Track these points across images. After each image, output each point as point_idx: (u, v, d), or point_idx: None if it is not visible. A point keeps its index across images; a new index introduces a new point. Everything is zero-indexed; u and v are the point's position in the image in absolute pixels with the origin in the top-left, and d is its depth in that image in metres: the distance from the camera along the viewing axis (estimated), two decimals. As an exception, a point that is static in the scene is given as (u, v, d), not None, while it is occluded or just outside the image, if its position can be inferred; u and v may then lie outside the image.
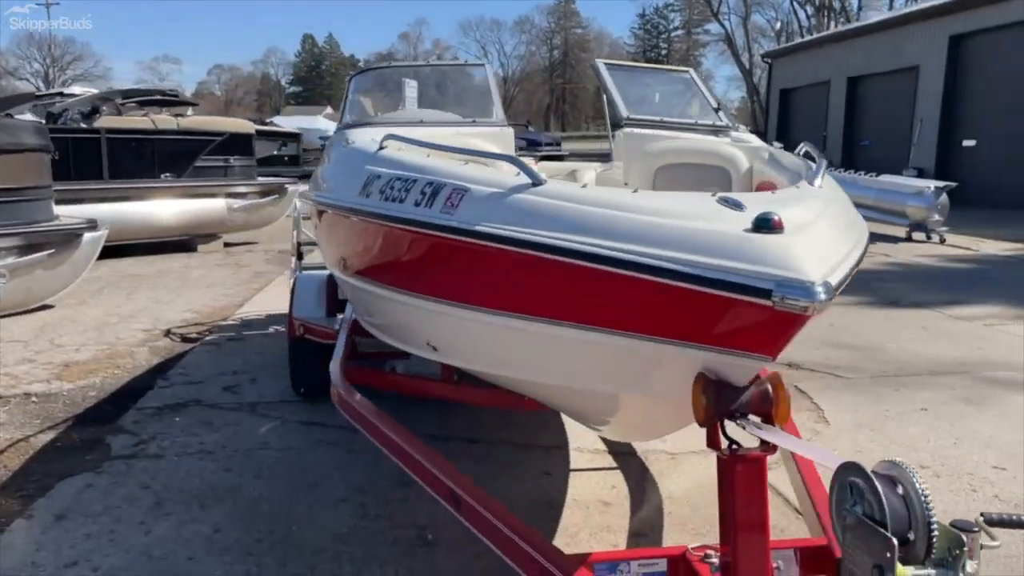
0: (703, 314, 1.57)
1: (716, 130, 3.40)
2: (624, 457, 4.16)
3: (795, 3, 60.38)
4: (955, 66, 21.59)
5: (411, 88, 3.70)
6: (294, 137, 18.84)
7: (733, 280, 1.47)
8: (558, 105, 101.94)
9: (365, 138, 3.27)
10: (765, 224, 1.52)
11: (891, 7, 38.64)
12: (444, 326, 2.39)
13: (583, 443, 4.32)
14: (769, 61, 34.76)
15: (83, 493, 3.62)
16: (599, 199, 1.79)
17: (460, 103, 3.80)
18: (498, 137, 3.52)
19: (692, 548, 2.00)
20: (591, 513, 3.46)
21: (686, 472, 3.95)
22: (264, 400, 4.99)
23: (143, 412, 4.75)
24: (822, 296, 1.43)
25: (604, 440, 4.38)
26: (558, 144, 36.12)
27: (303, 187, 13.32)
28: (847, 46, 27.10)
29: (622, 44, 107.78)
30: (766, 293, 1.43)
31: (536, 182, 1.93)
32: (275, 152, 17.08)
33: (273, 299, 8.26)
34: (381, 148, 2.82)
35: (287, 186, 13.26)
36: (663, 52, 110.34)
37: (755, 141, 3.28)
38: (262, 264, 11.14)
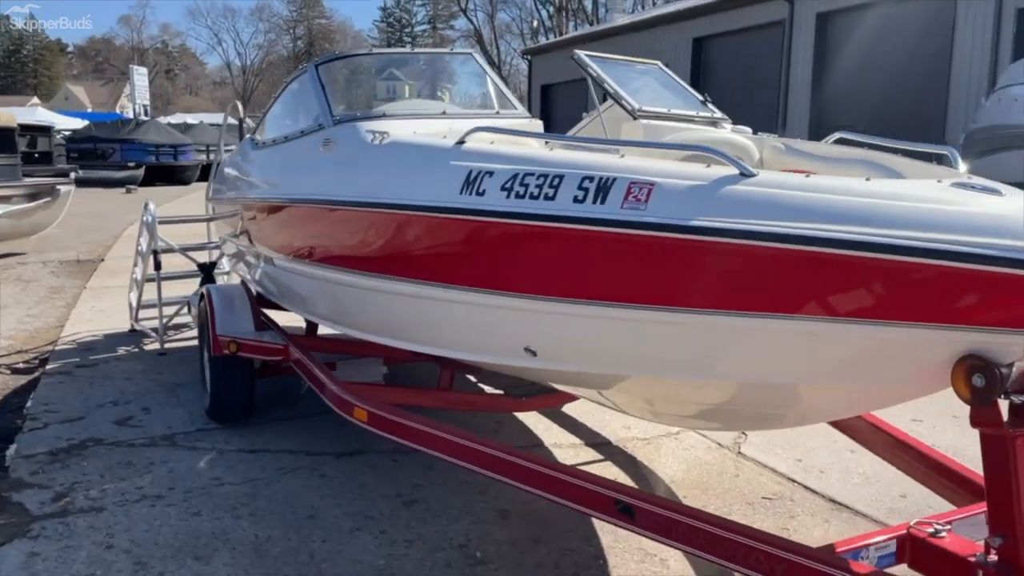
0: (985, 295, 1.63)
1: (713, 121, 3.52)
2: (602, 448, 4.20)
3: (537, 3, 63.36)
4: (699, 65, 23.99)
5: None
6: (44, 131, 16.52)
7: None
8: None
9: (403, 131, 2.99)
10: None
11: (633, 10, 41.78)
12: (575, 327, 2.26)
13: (556, 439, 4.30)
14: (529, 58, 36.23)
15: (34, 565, 2.98)
16: (833, 187, 1.80)
17: (452, 93, 3.58)
18: (529, 127, 3.38)
19: (914, 524, 2.08)
20: (616, 506, 3.45)
21: (670, 455, 4.08)
22: (177, 431, 4.39)
23: (35, 460, 3.98)
24: None
25: (573, 432, 4.40)
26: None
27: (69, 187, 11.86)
28: (601, 45, 28.99)
29: (365, 36, 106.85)
30: None
31: (747, 173, 1.90)
32: (24, 149, 14.82)
33: (98, 317, 7.30)
34: (461, 142, 2.60)
35: (59, 187, 11.64)
36: (408, 46, 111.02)
37: (749, 131, 3.44)
38: (50, 278, 9.71)
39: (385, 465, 3.92)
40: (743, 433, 4.27)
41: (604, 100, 3.59)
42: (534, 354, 2.50)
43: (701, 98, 3.73)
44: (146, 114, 37.11)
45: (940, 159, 2.48)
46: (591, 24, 57.22)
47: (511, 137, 2.60)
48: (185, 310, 6.32)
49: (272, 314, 4.71)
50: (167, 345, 6.10)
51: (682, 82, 3.88)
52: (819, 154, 2.95)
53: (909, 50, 17.57)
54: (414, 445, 2.90)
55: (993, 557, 1.75)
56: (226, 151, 6.03)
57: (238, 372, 4.25)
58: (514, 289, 2.36)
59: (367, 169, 2.94)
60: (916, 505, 3.42)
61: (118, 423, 4.52)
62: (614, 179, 2.05)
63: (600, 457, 4.07)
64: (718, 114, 3.60)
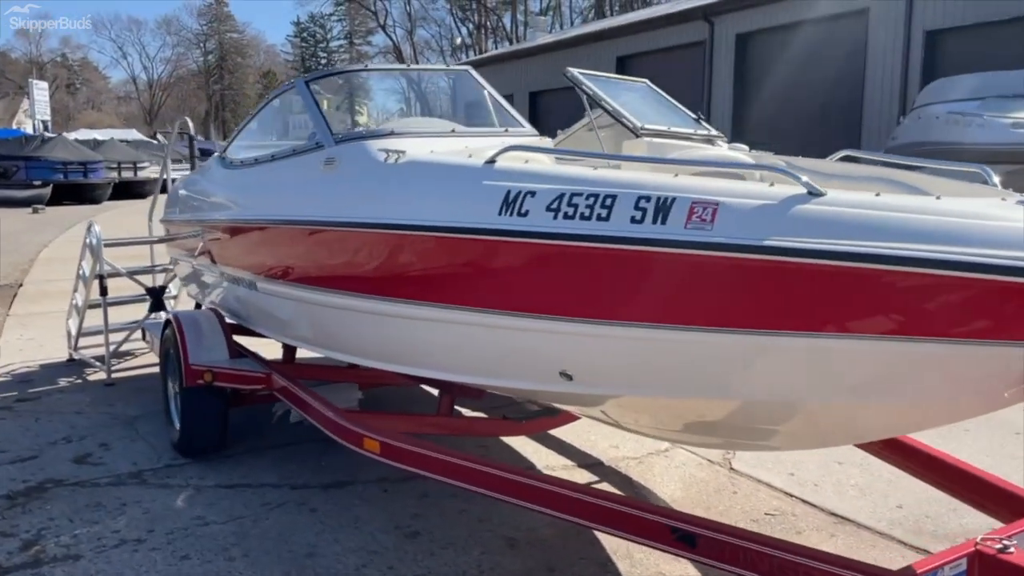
0: None
1: (709, 139, 3.53)
2: (595, 468, 4.16)
3: (457, 20, 63.59)
4: (623, 84, 24.47)
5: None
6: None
7: None
8: (218, 112, 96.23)
9: (420, 150, 2.87)
10: None
11: (551, 29, 42.34)
12: (620, 350, 2.20)
13: (547, 461, 4.23)
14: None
15: (15, 624, 2.73)
16: (904, 206, 1.81)
17: (450, 111, 3.47)
18: (540, 145, 3.29)
19: (981, 541, 2.08)
20: (624, 529, 3.40)
21: (664, 474, 4.06)
22: (144, 467, 4.13)
23: (-9, 506, 3.67)
24: None
25: (562, 454, 4.33)
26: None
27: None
28: (526, 63, 29.29)
29: (278, 51, 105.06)
30: None
31: (815, 192, 1.89)
32: None
33: (30, 347, 6.85)
34: (492, 161, 2.50)
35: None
36: (323, 62, 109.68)
37: (746, 148, 3.47)
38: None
39: (376, 496, 3.77)
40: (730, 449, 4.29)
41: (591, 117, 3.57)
42: (570, 378, 2.43)
43: (694, 116, 3.74)
44: (46, 129, 35.39)
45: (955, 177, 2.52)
46: (510, 42, 57.76)
47: (542, 156, 2.53)
48: (134, 337, 5.99)
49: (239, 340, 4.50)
50: (114, 375, 5.75)
51: (672, 100, 3.89)
52: (824, 171, 2.98)
53: (825, 70, 18.33)
54: (439, 477, 2.78)
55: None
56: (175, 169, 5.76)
57: (211, 403, 4.03)
58: (555, 312, 2.29)
59: (383, 189, 2.82)
60: (914, 516, 3.50)
61: (76, 461, 4.22)
62: (674, 199, 2.00)
63: (595, 478, 4.01)
64: (713, 132, 3.62)
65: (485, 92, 3.60)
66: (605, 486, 3.90)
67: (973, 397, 1.89)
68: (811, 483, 3.87)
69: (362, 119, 3.48)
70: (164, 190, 6.31)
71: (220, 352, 4.06)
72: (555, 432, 4.50)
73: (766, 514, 3.59)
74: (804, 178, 1.92)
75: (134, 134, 44.74)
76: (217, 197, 4.28)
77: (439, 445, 2.86)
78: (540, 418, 3.67)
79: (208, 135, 78.53)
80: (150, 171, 29.70)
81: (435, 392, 5.15)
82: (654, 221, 2.01)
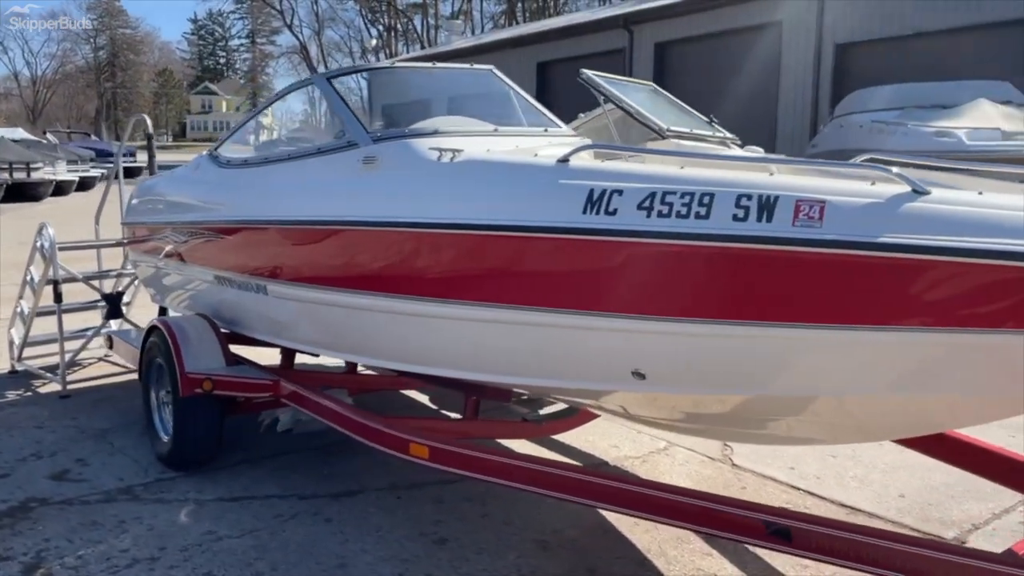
0: None
1: (724, 141, 3.61)
2: (601, 469, 4.17)
3: (367, 22, 62.82)
4: (543, 89, 24.69)
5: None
6: None
7: None
8: (109, 111, 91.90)
9: (476, 149, 2.81)
10: None
11: (464, 33, 42.31)
12: (706, 347, 2.23)
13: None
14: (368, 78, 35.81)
15: (44, 654, 2.54)
16: (1008, 204, 1.89)
17: (478, 111, 3.40)
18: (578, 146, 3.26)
19: None
20: (650, 527, 3.43)
21: (670, 471, 4.11)
22: (133, 482, 3.91)
23: (-28, 528, 3.40)
24: None
25: (565, 455, 4.33)
26: (132, 155, 32.66)
27: None
28: (445, 66, 29.15)
29: (174, 48, 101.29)
30: None
31: (920, 190, 1.96)
32: None
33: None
34: (564, 160, 2.48)
35: None
36: (221, 61, 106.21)
37: (761, 151, 3.55)
38: None
39: (391, 503, 3.69)
40: (727, 444, 4.39)
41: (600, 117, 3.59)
42: (643, 377, 2.44)
43: (706, 119, 3.82)
44: (-87, 128, 32.95)
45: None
46: (422, 46, 57.46)
47: (616, 153, 2.53)
48: (89, 345, 5.66)
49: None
50: (68, 386, 5.41)
51: (680, 101, 3.96)
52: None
53: (742, 79, 18.99)
54: (500, 481, 2.73)
55: None
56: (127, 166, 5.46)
57: (206, 413, 3.85)
58: (636, 311, 2.29)
59: (440, 188, 2.75)
60: (918, 504, 3.67)
61: (55, 478, 3.95)
62: (777, 197, 2.04)
63: (606, 478, 4.03)
64: (727, 134, 3.71)
65: (511, 91, 3.58)
66: (617, 485, 3.93)
67: None
68: (813, 476, 4.00)
69: (390, 118, 3.38)
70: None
71: (216, 359, 3.88)
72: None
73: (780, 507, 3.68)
74: (910, 177, 1.99)
75: (20, 133, 42.11)
76: (212, 197, 4.09)
77: (487, 447, 2.82)
78: (560, 419, 3.67)
79: (100, 134, 74.85)
80: (44, 172, 28.11)
81: (419, 397, 5.14)
82: (759, 219, 2.04)
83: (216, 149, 4.32)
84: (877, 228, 1.92)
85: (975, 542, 3.30)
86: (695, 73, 20.08)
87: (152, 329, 4.10)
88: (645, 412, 2.95)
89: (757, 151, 3.55)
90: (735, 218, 2.07)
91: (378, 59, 56.72)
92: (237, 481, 3.92)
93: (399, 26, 65.01)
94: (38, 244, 5.43)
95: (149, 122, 5.50)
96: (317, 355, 3.97)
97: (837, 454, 4.24)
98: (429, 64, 3.72)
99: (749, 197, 2.07)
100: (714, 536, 2.46)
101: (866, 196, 1.99)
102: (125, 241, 5.47)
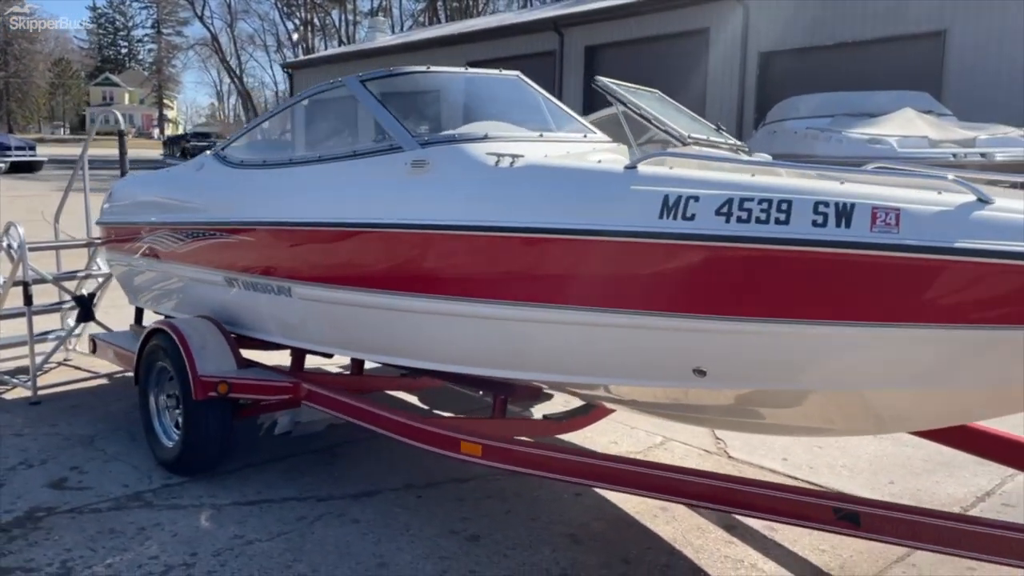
0: None
1: (735, 148, 3.77)
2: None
3: (282, 15, 61.44)
4: (474, 89, 24.78)
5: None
6: None
7: None
8: (1, 101, 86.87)
9: (536, 155, 2.86)
10: None
11: (393, 31, 41.90)
12: (777, 345, 2.37)
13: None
14: (290, 72, 35.11)
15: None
16: None
17: (512, 116, 3.43)
18: (619, 151, 3.34)
19: None
20: (670, 518, 3.57)
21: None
22: (141, 489, 3.82)
23: (-18, 541, 3.27)
24: None
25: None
26: (32, 148, 31.13)
27: None
28: (371, 64, 28.88)
29: (71, 38, 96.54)
30: None
31: (985, 199, 2.15)
32: None
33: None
34: (632, 168, 2.57)
35: None
36: (123, 51, 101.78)
37: (769, 158, 3.72)
38: None
39: (413, 503, 3.72)
40: (719, 438, 4.59)
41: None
42: (703, 374, 2.57)
43: (714, 126, 3.98)
44: None
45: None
46: (342, 42, 56.59)
47: (691, 160, 2.64)
48: (40, 350, 5.43)
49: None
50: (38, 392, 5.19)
51: (685, 108, 4.11)
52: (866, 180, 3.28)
53: (671, 83, 19.46)
54: (560, 477, 2.81)
55: None
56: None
57: (218, 416, 3.79)
58: (706, 311, 2.42)
59: (501, 193, 2.80)
60: (908, 490, 3.93)
61: (54, 487, 3.82)
62: (854, 204, 2.20)
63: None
64: (737, 142, 3.87)
65: (540, 97, 3.65)
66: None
67: None
68: (806, 466, 4.23)
69: (431, 122, 3.40)
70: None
71: (227, 362, 3.83)
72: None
73: (783, 496, 3.89)
74: (977, 187, 2.18)
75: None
76: (224, 198, 4.00)
77: (536, 442, 2.90)
78: (577, 417, 3.77)
79: (-9, 127, 70.56)
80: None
81: (407, 398, 5.16)
82: (837, 225, 2.19)
83: (223, 149, 4.23)
84: (950, 233, 2.09)
85: (967, 522, 3.58)
86: (625, 77, 20.06)
87: (155, 332, 4.00)
88: (670, 404, 3.09)
89: (765, 157, 3.73)
90: (814, 224, 2.21)
91: (296, 55, 55.52)
92: (248, 485, 3.88)
93: (316, 20, 63.84)
94: (4, 244, 5.19)
95: (121, 118, 5.32)
96: (331, 355, 3.96)
97: (823, 445, 4.50)
98: (461, 68, 3.76)
99: (827, 204, 2.22)
100: (784, 523, 2.61)
101: (936, 204, 2.16)
102: (99, 241, 5.28)
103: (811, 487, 2.59)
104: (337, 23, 62.65)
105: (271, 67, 79.60)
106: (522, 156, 2.85)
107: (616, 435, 4.64)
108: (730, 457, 4.37)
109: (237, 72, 66.51)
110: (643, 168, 2.57)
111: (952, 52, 15.10)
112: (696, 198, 2.38)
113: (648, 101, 3.88)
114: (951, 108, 12.91)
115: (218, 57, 67.31)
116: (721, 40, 18.94)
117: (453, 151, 3.02)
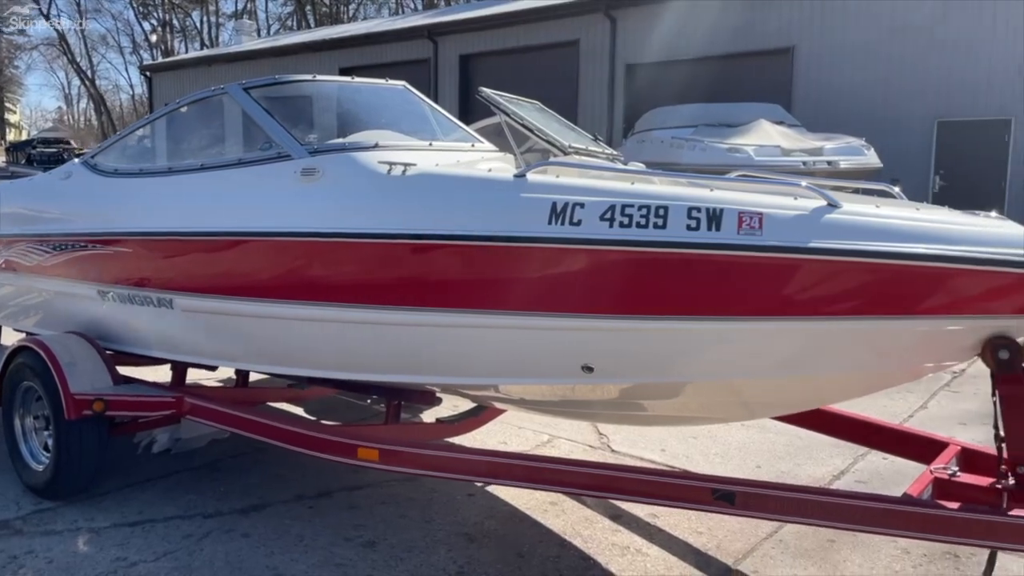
0: (1019, 290, 2.25)
1: (611, 157, 3.96)
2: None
3: (138, 15, 58.42)
4: (346, 95, 24.46)
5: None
6: None
7: None
8: None
9: (428, 164, 2.90)
10: None
11: (260, 35, 40.56)
12: (654, 340, 2.54)
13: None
14: (149, 75, 33.49)
15: None
16: (896, 215, 2.35)
17: (399, 125, 3.43)
18: (505, 160, 3.39)
19: (935, 470, 2.65)
20: (560, 511, 3.71)
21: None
22: (8, 516, 3.63)
23: None
24: None
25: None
26: None
27: None
28: (239, 68, 27.99)
29: None
30: None
31: (835, 204, 2.38)
32: None
33: None
34: (521, 176, 2.66)
35: None
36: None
37: (643, 166, 3.93)
38: None
39: (304, 513, 3.70)
40: (602, 433, 4.80)
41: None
42: (591, 370, 2.71)
43: (592, 136, 4.17)
44: None
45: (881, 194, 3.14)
46: (204, 45, 54.42)
47: (572, 169, 2.76)
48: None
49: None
50: None
51: (563, 118, 4.28)
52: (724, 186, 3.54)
53: (544, 93, 19.85)
54: (461, 477, 2.87)
55: (1010, 481, 2.45)
56: None
57: (92, 436, 3.63)
58: (591, 310, 2.56)
59: (394, 201, 2.83)
60: (771, 471, 4.24)
61: (-94, 520, 3.55)
62: (723, 209, 2.39)
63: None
64: (613, 151, 4.08)
65: (426, 106, 3.70)
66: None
67: (933, 358, 2.52)
68: (682, 455, 4.49)
69: (320, 130, 3.37)
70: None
71: (102, 378, 3.67)
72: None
73: (663, 485, 4.11)
74: (827, 192, 2.42)
75: None
76: (96, 208, 3.81)
77: (441, 443, 2.96)
78: (469, 419, 3.86)
79: None
80: None
81: (295, 409, 5.09)
82: (709, 228, 2.38)
83: (93, 157, 4.05)
84: (807, 235, 2.32)
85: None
86: (500, 86, 20.36)
87: (19, 350, 3.78)
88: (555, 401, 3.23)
89: (639, 166, 3.95)
90: (688, 228, 2.40)
91: (154, 57, 52.95)
92: (128, 506, 3.74)
93: (176, 22, 61.05)
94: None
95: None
96: (215, 368, 3.86)
97: (697, 435, 4.78)
98: (347, 78, 3.76)
99: (699, 210, 2.41)
100: (669, 506, 2.77)
101: (794, 209, 2.39)
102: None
103: (690, 472, 2.78)
104: (199, 25, 60.19)
105: (126, 69, 75.48)
106: (414, 164, 2.91)
107: (505, 435, 4.76)
108: (613, 451, 4.57)
109: (88, 75, 62.67)
110: (531, 176, 2.69)
111: (799, 67, 16.22)
112: (582, 204, 2.52)
113: (529, 112, 4.03)
114: (800, 119, 13.89)
115: (67, 58, 63.12)
116: (590, 52, 19.54)
117: (344, 159, 3.05)
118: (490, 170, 2.89)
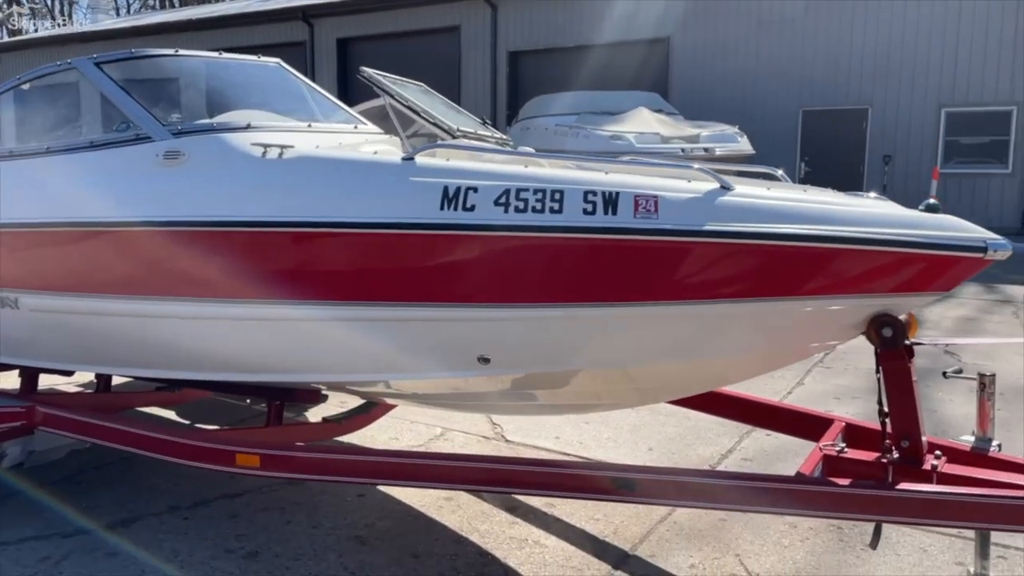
0: (903, 268, 2.29)
1: (500, 141, 3.83)
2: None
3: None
4: (218, 80, 23.34)
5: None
6: None
7: (953, 242, 2.24)
8: None
9: (306, 145, 2.66)
10: (935, 208, 2.40)
11: (119, 14, 38.02)
12: (552, 328, 2.45)
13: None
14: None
15: None
16: (784, 196, 2.36)
17: (273, 105, 3.15)
18: (391, 143, 3.16)
19: (824, 447, 2.67)
20: (455, 507, 3.61)
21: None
22: None
23: None
24: (1009, 248, 2.29)
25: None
26: None
27: None
28: (98, 48, 26.24)
29: None
30: (982, 248, 2.28)
31: (727, 187, 2.35)
32: None
33: None
34: (409, 159, 2.49)
35: None
36: None
37: (532, 151, 3.83)
38: None
39: (178, 525, 3.43)
40: (495, 423, 4.72)
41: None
42: (487, 361, 2.60)
43: (480, 119, 4.04)
44: None
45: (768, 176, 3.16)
46: (57, 24, 50.63)
47: (462, 152, 2.61)
48: None
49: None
50: None
51: (450, 101, 4.12)
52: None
53: (425, 79, 19.59)
54: (346, 479, 2.69)
55: (895, 455, 2.51)
56: None
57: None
58: (486, 300, 2.45)
59: (270, 186, 2.59)
60: (663, 453, 4.28)
61: None
62: (618, 193, 2.32)
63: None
64: (502, 135, 3.96)
65: (303, 85, 3.46)
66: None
67: (822, 337, 2.55)
68: (576, 442, 4.46)
69: (183, 110, 3.06)
70: None
71: None
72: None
73: (558, 473, 4.07)
74: (721, 175, 2.39)
75: None
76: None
77: (321, 445, 2.78)
78: (357, 416, 3.68)
79: None
80: None
81: (166, 413, 4.75)
82: (605, 212, 2.30)
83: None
84: (701, 217, 2.29)
85: (717, 479, 3.97)
86: (381, 70, 20.37)
87: None
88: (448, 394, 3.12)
89: (529, 151, 3.86)
90: (585, 212, 2.32)
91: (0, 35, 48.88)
92: (46, 518, 3.37)
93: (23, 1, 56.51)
94: None
95: None
96: (72, 373, 3.52)
97: (589, 421, 4.77)
98: (214, 53, 3.47)
99: (595, 193, 2.34)
100: (569, 498, 2.70)
101: (688, 192, 2.35)
102: None
103: (586, 461, 2.73)
104: (49, 3, 55.97)
105: (-31, 49, 69.49)
106: (292, 147, 2.71)
107: (396, 431, 4.60)
108: (507, 441, 4.50)
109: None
110: (420, 159, 2.54)
111: (675, 57, 16.68)
112: (475, 189, 2.40)
113: (415, 93, 3.86)
114: (677, 107, 14.28)
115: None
116: (472, 38, 19.42)
117: (212, 141, 2.80)
118: (376, 153, 2.72)
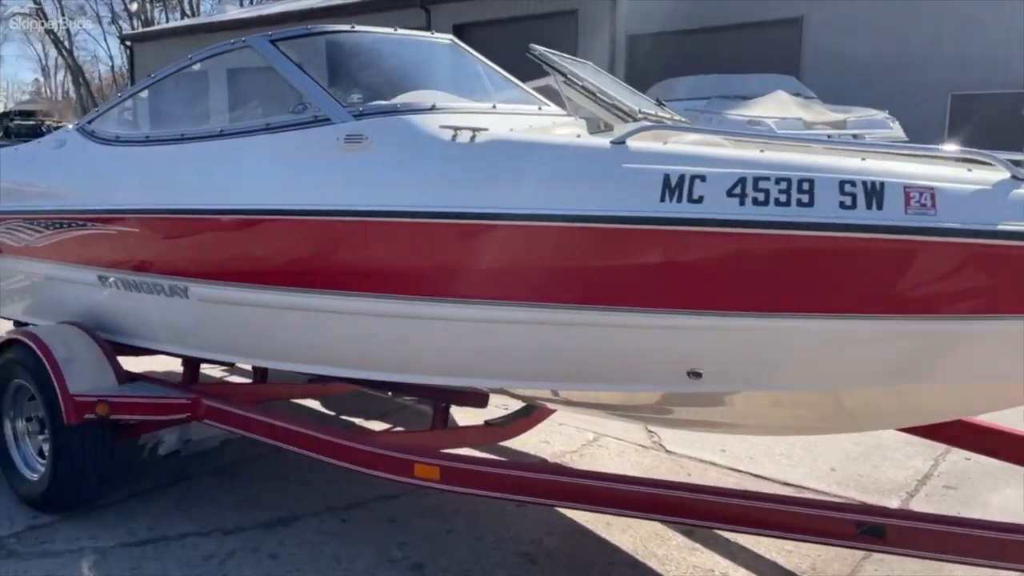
0: None
1: (679, 124, 3.50)
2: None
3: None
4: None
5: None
6: None
7: None
8: None
9: (501, 129, 2.43)
10: None
11: (242, 5, 39.39)
12: (778, 342, 2.12)
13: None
14: (129, 45, 32.51)
15: None
16: None
17: (451, 85, 2.96)
18: (580, 126, 2.92)
19: None
20: (625, 527, 3.31)
21: (610, 461, 4.03)
22: (1, 534, 3.17)
23: None
24: None
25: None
26: None
27: None
28: (222, 38, 27.13)
29: None
30: None
31: (1020, 177, 1.94)
32: None
33: None
34: (620, 143, 2.20)
35: None
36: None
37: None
38: None
39: (338, 528, 3.28)
40: (651, 431, 4.39)
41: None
42: (699, 376, 2.28)
43: (655, 100, 3.70)
44: None
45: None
46: (185, 15, 52.91)
47: (678, 135, 2.31)
48: None
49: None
50: None
51: (623, 82, 3.81)
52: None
53: (541, 65, 19.38)
54: (541, 501, 2.43)
55: None
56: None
57: (95, 442, 3.18)
58: (717, 306, 2.13)
59: (461, 173, 2.37)
60: (848, 475, 3.86)
61: None
62: (883, 183, 1.95)
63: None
64: (680, 117, 3.62)
65: (479, 64, 3.23)
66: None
67: None
68: (746, 457, 4.08)
69: (363, 90, 2.88)
70: None
71: (105, 377, 3.21)
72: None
73: (732, 491, 3.71)
74: (1007, 161, 1.98)
75: None
76: (96, 181, 3.32)
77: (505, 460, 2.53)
78: (519, 420, 3.43)
79: None
80: None
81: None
82: (868, 207, 1.94)
83: (90, 123, 3.54)
84: (993, 215, 1.88)
85: (917, 507, 3.52)
86: (495, 57, 20.09)
87: (8, 344, 3.31)
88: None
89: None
90: (842, 205, 1.96)
91: (133, 27, 51.48)
92: (136, 520, 3.29)
93: (155, -8, 59.35)
94: None
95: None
96: (233, 365, 3.41)
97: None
98: (390, 29, 3.27)
99: (853, 184, 1.97)
100: (805, 542, 2.36)
101: (972, 183, 1.96)
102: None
103: (826, 500, 2.35)
104: (181, -5, 58.52)
105: (104, 39, 73.75)
106: (485, 130, 2.44)
107: (546, 434, 4.33)
108: (668, 451, 4.17)
109: (66, 45, 60.93)
110: (633, 144, 2.23)
111: (808, 38, 15.76)
112: (703, 177, 2.07)
113: (587, 72, 3.56)
114: (811, 91, 13.44)
115: (43, 28, 61.29)
116: (590, 22, 18.95)
117: (397, 123, 2.57)
118: (579, 136, 2.43)
